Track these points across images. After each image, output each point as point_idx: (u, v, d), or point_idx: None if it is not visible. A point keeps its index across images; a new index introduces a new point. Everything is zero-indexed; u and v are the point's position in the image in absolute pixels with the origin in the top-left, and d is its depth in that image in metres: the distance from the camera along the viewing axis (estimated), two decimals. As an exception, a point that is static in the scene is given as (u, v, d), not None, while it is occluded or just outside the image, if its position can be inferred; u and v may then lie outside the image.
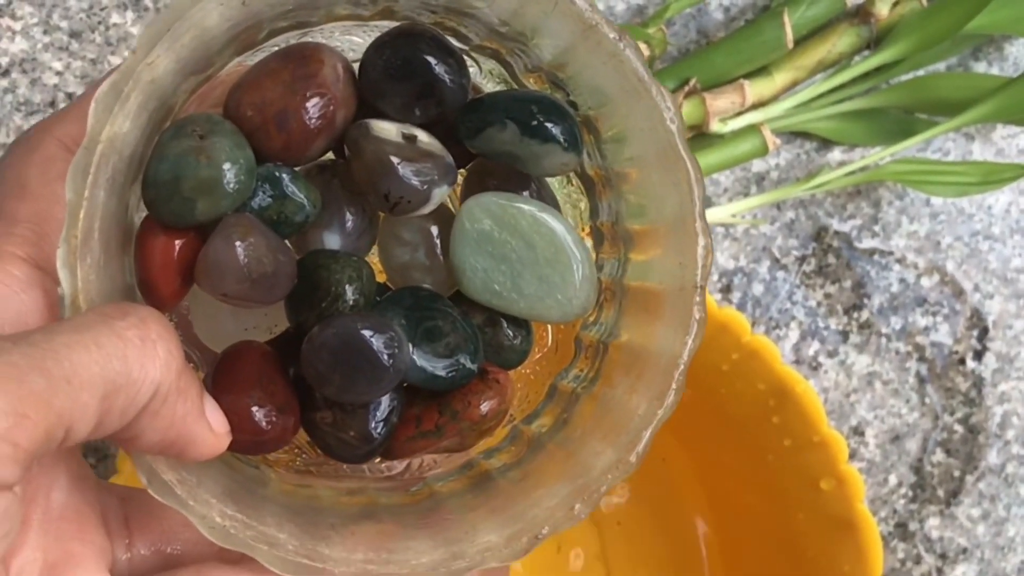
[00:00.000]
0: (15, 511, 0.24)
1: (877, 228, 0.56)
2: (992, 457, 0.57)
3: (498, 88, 0.33)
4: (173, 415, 0.26)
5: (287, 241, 0.30)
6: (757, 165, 0.54)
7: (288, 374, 0.30)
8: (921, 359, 0.56)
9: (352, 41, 0.32)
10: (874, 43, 0.54)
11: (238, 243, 0.27)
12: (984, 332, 0.57)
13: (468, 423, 0.30)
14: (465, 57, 0.31)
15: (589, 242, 0.33)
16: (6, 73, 0.48)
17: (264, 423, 0.29)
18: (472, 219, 0.30)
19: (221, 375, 0.30)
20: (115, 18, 0.49)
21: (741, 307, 0.55)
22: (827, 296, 0.55)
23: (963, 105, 0.52)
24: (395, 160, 0.29)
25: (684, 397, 0.29)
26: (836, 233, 0.55)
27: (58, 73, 0.49)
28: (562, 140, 0.30)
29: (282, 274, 0.29)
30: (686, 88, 0.52)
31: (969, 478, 0.57)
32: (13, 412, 0.22)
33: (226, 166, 0.28)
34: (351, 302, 0.29)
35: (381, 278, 0.32)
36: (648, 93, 0.29)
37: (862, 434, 0.56)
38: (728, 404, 0.49)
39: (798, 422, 0.48)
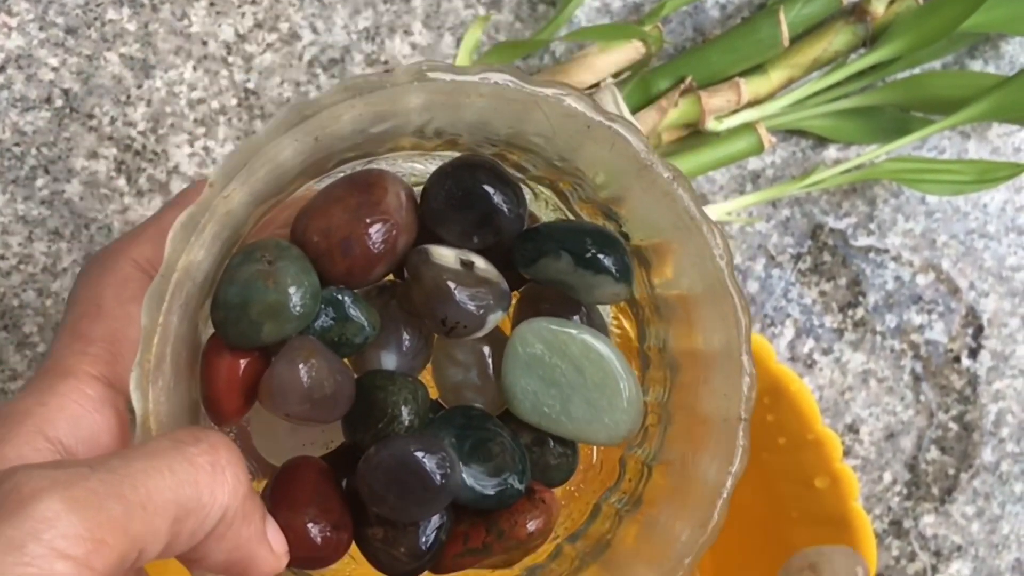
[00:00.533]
0: None
1: (872, 226, 0.56)
2: (987, 455, 0.57)
3: (553, 215, 0.34)
4: (238, 538, 0.27)
5: (345, 359, 0.31)
6: (753, 163, 0.54)
7: (343, 490, 0.31)
8: (916, 357, 0.56)
9: (414, 167, 0.33)
10: (870, 41, 0.54)
11: (301, 366, 0.29)
12: (979, 330, 0.57)
13: (514, 542, 0.31)
14: (522, 186, 0.32)
15: (635, 366, 0.34)
16: (2, 69, 0.48)
17: (319, 540, 0.30)
18: (524, 343, 0.31)
19: (279, 490, 0.31)
20: (111, 14, 0.49)
21: (736, 305, 0.55)
22: (822, 294, 0.55)
23: (959, 103, 0.52)
24: (453, 286, 0.30)
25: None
26: (831, 231, 0.55)
27: (54, 69, 0.49)
28: (614, 272, 0.31)
29: (342, 395, 0.30)
30: (681, 86, 0.52)
31: (964, 476, 0.57)
32: (92, 538, 0.23)
33: (292, 291, 0.29)
34: (406, 423, 0.30)
35: (433, 394, 0.33)
36: (699, 230, 0.30)
37: (857, 431, 0.56)
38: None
39: (792, 420, 0.48)
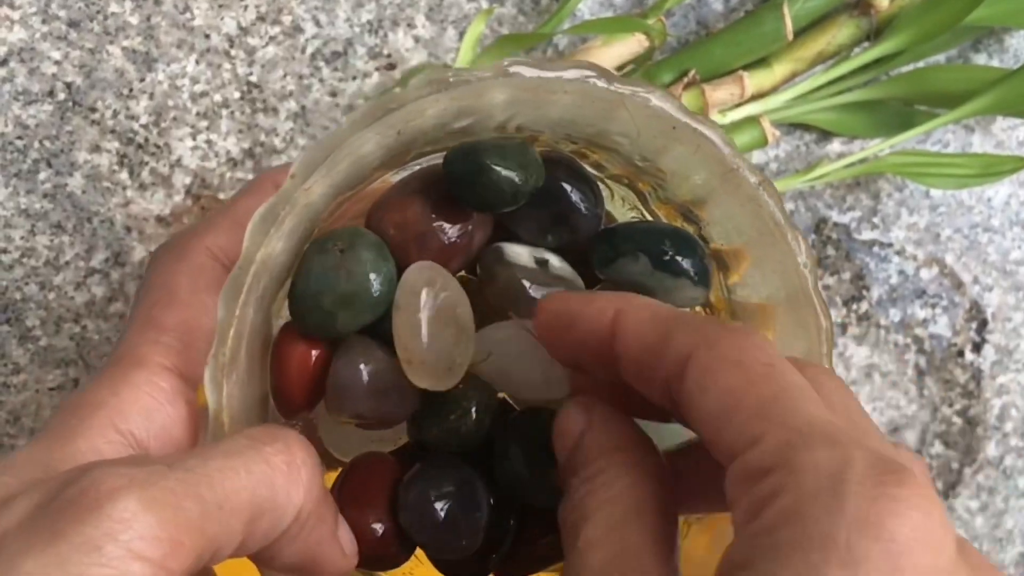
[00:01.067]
0: None
1: (876, 220, 0.55)
2: (990, 449, 0.57)
3: (629, 215, 0.34)
4: (310, 538, 0.27)
5: None
6: (756, 156, 0.54)
7: None
8: (920, 351, 0.56)
9: None
10: (874, 35, 0.54)
11: (362, 365, 0.28)
12: (983, 324, 0.57)
13: None
14: (599, 184, 0.31)
15: None
16: (4, 62, 0.48)
17: (389, 540, 0.30)
18: None
19: (348, 487, 0.30)
20: (113, 7, 0.49)
21: (740, 299, 0.55)
22: (826, 288, 0.55)
23: (963, 97, 0.52)
24: (527, 285, 0.30)
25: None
26: (835, 225, 0.55)
27: (56, 63, 0.49)
28: (693, 275, 0.30)
29: (406, 393, 0.29)
30: (685, 79, 0.52)
31: (967, 470, 0.57)
32: (169, 539, 0.23)
33: (369, 277, 0.29)
34: (474, 418, 0.30)
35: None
36: (784, 238, 0.30)
37: (860, 426, 0.56)
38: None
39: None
